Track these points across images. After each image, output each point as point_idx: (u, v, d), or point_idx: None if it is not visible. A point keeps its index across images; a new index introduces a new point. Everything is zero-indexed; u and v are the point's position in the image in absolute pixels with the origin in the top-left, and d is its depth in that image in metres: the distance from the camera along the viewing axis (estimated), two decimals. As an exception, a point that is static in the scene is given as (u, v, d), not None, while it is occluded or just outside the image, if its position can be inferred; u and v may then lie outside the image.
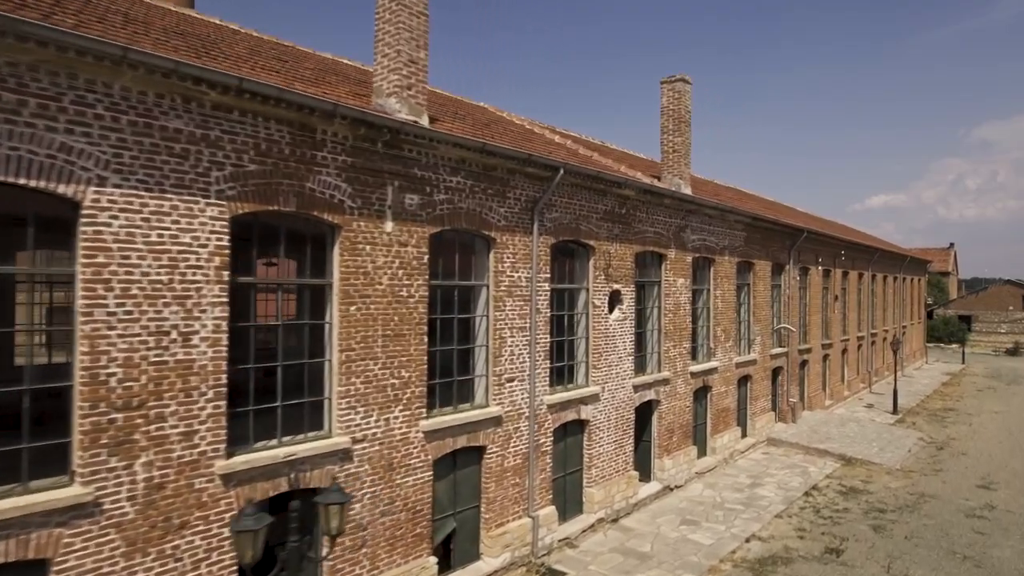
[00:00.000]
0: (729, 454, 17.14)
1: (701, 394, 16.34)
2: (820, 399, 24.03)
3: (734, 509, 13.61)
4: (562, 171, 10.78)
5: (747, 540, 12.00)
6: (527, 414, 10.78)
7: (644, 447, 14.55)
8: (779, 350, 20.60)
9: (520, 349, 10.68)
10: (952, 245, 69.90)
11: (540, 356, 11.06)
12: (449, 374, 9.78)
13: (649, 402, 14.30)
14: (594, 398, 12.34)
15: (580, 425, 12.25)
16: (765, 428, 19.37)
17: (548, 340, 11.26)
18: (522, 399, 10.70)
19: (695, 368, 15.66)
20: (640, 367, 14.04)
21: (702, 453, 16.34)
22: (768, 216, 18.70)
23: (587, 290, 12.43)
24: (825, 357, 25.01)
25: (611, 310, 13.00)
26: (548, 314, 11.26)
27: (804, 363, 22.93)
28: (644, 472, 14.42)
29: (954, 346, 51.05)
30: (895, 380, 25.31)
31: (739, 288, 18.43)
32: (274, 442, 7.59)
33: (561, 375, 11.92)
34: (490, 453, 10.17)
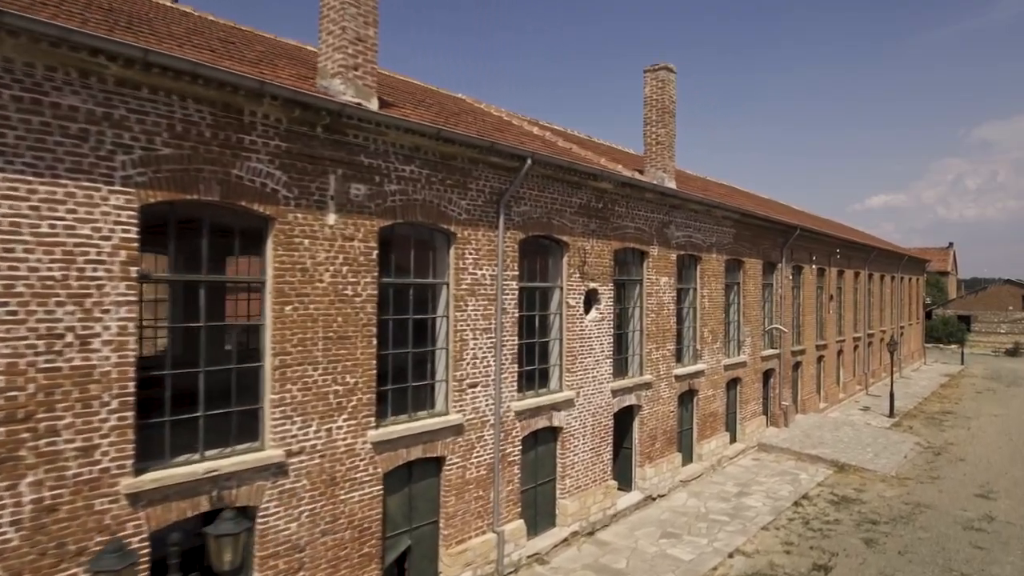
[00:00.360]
0: (717, 461, 16.40)
1: (687, 398, 15.60)
2: (814, 402, 23.30)
3: (719, 520, 12.87)
4: (529, 161, 10.05)
5: (730, 555, 11.27)
6: (492, 422, 10.04)
7: (624, 455, 13.82)
8: (771, 352, 19.86)
9: (484, 352, 9.94)
10: (951, 245, 69.19)
11: (507, 359, 10.33)
12: (404, 379, 9.04)
13: (630, 407, 13.57)
14: (568, 404, 11.60)
15: (553, 433, 11.52)
16: (755, 433, 18.64)
17: (516, 342, 10.53)
18: (486, 406, 9.96)
19: (680, 371, 14.92)
20: (620, 370, 13.31)
21: (687, 460, 15.60)
22: (758, 212, 17.97)
23: (560, 289, 11.69)
24: (819, 359, 24.28)
25: (587, 310, 12.27)
26: (516, 314, 10.52)
27: (797, 365, 22.20)
28: (624, 481, 13.69)
29: (953, 347, 50.31)
30: (891, 383, 24.58)
31: (728, 287, 17.69)
32: (196, 456, 6.85)
33: (532, 380, 11.18)
34: (450, 464, 9.43)
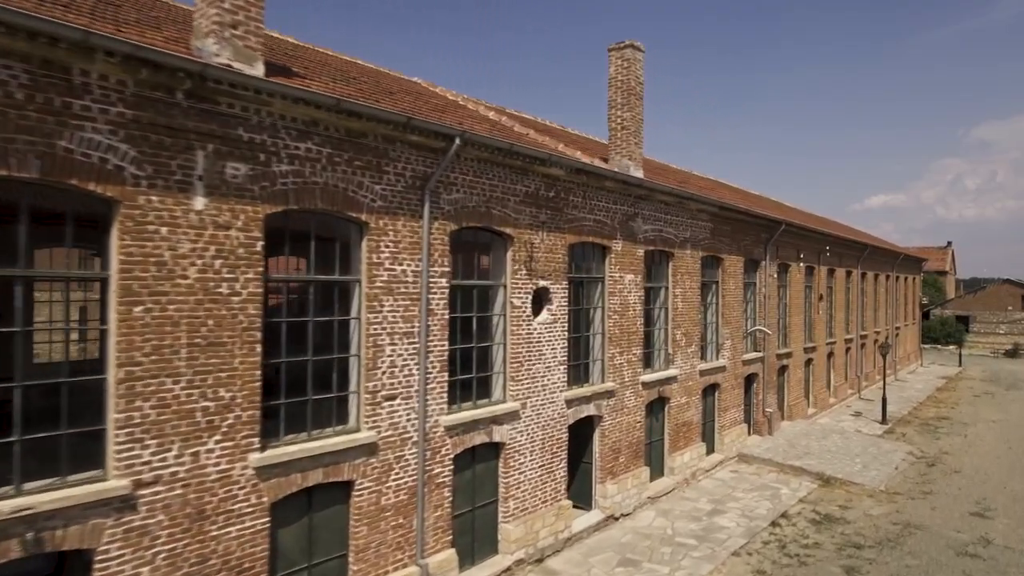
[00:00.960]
0: (691, 474, 15.13)
1: (656, 407, 14.34)
2: (802, 408, 22.03)
3: (685, 544, 11.61)
4: (458, 140, 8.78)
5: (693, 587, 10.02)
6: (415, 439, 8.78)
7: (584, 471, 12.57)
8: (753, 355, 18.60)
9: (405, 359, 8.67)
10: (949, 244, 68.00)
11: (435, 367, 9.06)
12: (301, 392, 7.77)
13: (589, 418, 12.31)
14: (512, 416, 10.34)
15: (494, 449, 10.25)
16: (736, 442, 17.37)
17: (447, 348, 9.25)
18: (408, 421, 8.70)
19: (648, 377, 13.65)
20: (577, 378, 12.04)
21: (657, 474, 14.33)
22: (737, 205, 16.70)
23: (504, 287, 10.43)
24: (808, 362, 23.02)
25: (537, 311, 11.01)
26: (446, 316, 9.25)
27: (783, 369, 20.94)
28: (583, 499, 12.44)
29: (951, 348, 49.03)
30: (884, 387, 23.31)
31: (705, 286, 16.43)
32: (11, 491, 5.59)
33: (468, 390, 9.91)
34: (360, 489, 8.17)
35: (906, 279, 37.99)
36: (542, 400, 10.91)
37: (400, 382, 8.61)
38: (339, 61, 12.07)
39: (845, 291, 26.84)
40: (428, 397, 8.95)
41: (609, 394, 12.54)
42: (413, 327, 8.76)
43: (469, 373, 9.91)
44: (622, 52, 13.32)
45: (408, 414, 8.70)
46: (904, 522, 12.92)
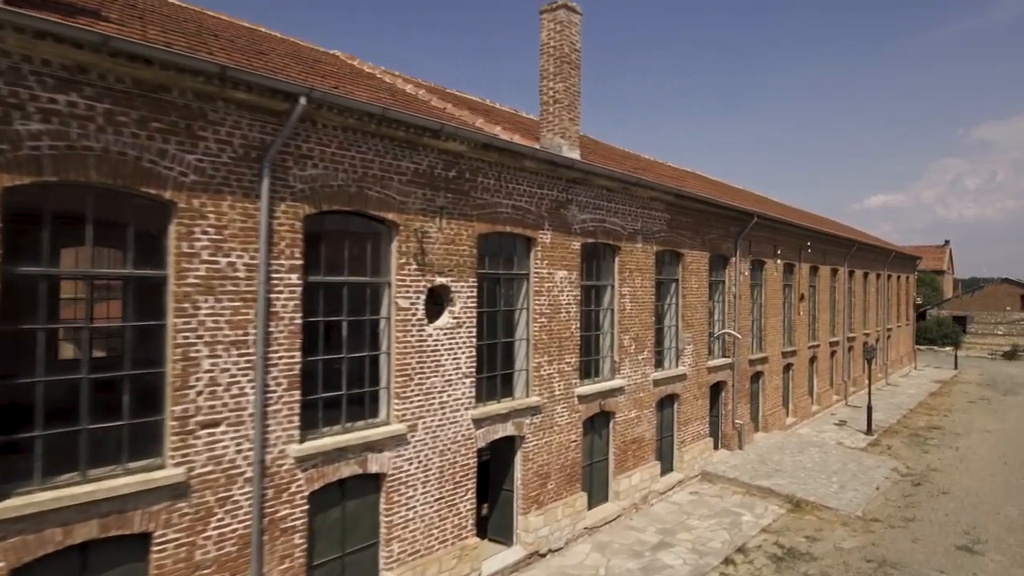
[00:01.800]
0: (641, 497, 13.33)
1: (599, 423, 12.54)
2: (779, 418, 20.22)
3: (617, 589, 9.82)
4: (303, 100, 6.98)
5: (612, 651, 8.22)
6: (248, 474, 6.98)
7: (506, 499, 10.77)
8: (721, 361, 16.79)
9: (234, 375, 6.87)
10: (947, 242, 66.16)
11: (281, 385, 7.27)
12: (74, 421, 5.97)
13: (510, 439, 10.53)
14: (397, 441, 8.54)
15: (373, 481, 8.45)
16: (699, 459, 15.57)
17: (298, 360, 7.46)
18: (237, 453, 6.90)
19: (586, 390, 11.85)
20: (491, 392, 10.24)
21: (599, 500, 12.53)
22: (697, 194, 14.87)
23: (388, 285, 8.63)
24: (787, 367, 21.21)
25: (434, 314, 9.21)
26: (298, 321, 7.45)
27: (758, 376, 19.13)
28: (505, 533, 10.66)
29: (948, 349, 47.22)
30: (869, 395, 21.49)
31: (662, 285, 14.63)
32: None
33: (335, 411, 8.11)
34: (162, 543, 6.37)
35: (898, 278, 36.18)
36: (439, 420, 9.11)
37: (225, 404, 6.80)
38: (212, 20, 10.27)
39: (830, 290, 25.03)
40: (269, 422, 7.15)
41: (534, 410, 10.74)
42: (246, 335, 6.95)
43: (336, 390, 8.10)
44: (555, 14, 11.52)
45: (238, 444, 6.90)
46: (879, 559, 11.11)
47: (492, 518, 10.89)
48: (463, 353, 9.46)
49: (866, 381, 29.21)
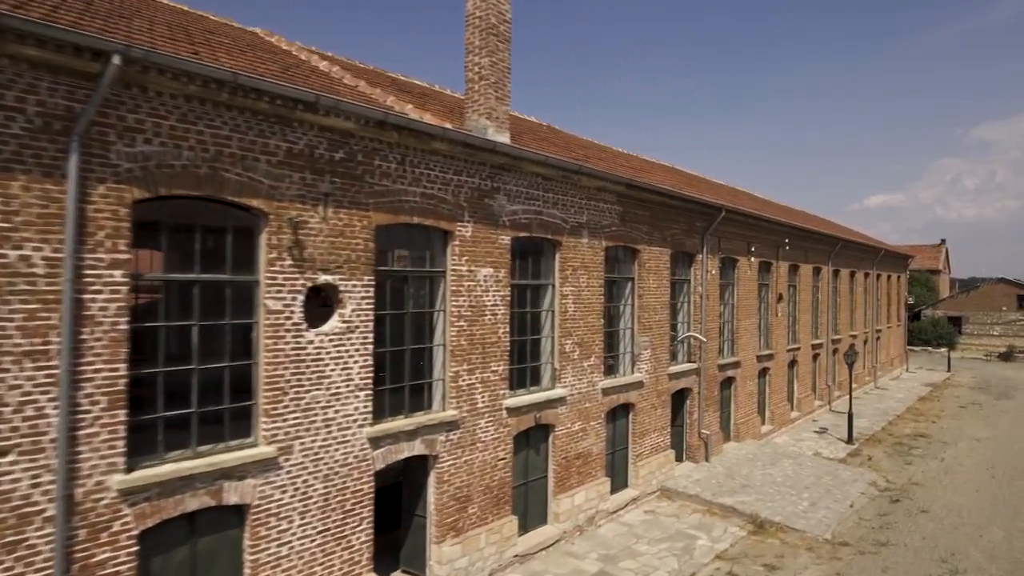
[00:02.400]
0: (587, 518, 12.09)
1: (535, 437, 11.30)
2: (753, 426, 18.97)
3: (537, 632, 8.59)
4: (117, 59, 5.74)
5: None
6: (50, 513, 5.74)
7: (418, 526, 9.54)
8: (685, 366, 15.55)
9: (27, 393, 5.63)
10: (943, 241, 64.92)
11: (97, 404, 6.02)
12: None
13: (422, 458, 9.30)
14: (266, 466, 7.31)
15: (234, 515, 7.22)
16: (658, 473, 14.32)
17: (124, 374, 6.21)
18: (33, 487, 5.66)
19: (517, 401, 10.62)
20: (396, 406, 9.00)
21: (536, 522, 11.30)
22: (653, 185, 13.60)
23: (257, 284, 7.40)
24: (763, 372, 19.96)
25: (319, 318, 7.98)
26: (123, 326, 6.21)
27: (729, 381, 17.89)
28: (418, 564, 9.43)
29: (942, 350, 45.99)
30: (850, 401, 20.24)
31: (613, 284, 13.40)
32: None
33: (184, 432, 6.87)
34: (-83, 605, 5.14)
35: (889, 277, 34.93)
36: (323, 440, 7.87)
37: (16, 429, 5.56)
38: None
39: (812, 290, 23.78)
40: (81, 448, 5.92)
41: (449, 426, 9.50)
42: (46, 344, 5.72)
43: (185, 407, 6.87)
44: (481, -19, 10.28)
45: (34, 477, 5.66)
46: (842, 592, 9.89)
47: (404, 547, 9.65)
48: (356, 362, 8.22)
49: (853, 384, 28.03)
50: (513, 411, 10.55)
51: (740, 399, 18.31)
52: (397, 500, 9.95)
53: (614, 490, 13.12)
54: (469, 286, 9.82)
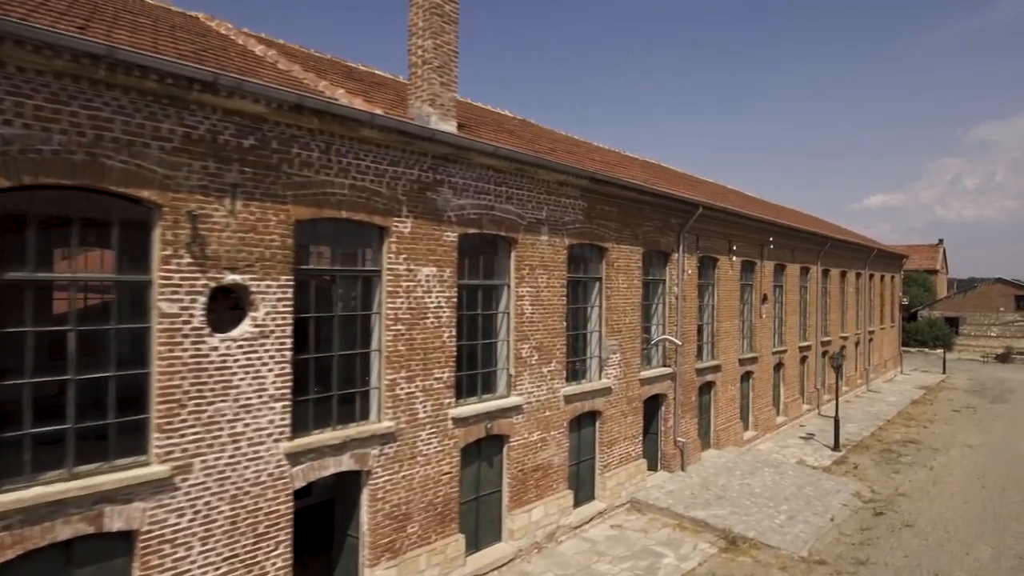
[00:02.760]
0: (546, 535, 11.34)
1: (487, 449, 10.54)
2: (735, 432, 18.21)
3: (473, 666, 7.82)
4: (-47, 26, 4.99)
5: None
6: None
7: (351, 547, 8.78)
8: (659, 371, 14.79)
9: None
10: (941, 241, 64.10)
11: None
12: None
13: (355, 474, 8.55)
14: (158, 486, 6.55)
15: (120, 542, 6.45)
16: (627, 485, 13.55)
17: (-23, 386, 5.46)
18: None
19: (464, 410, 9.86)
20: (321, 419, 8.24)
21: (489, 540, 10.55)
22: (618, 179, 12.80)
23: (151, 285, 6.64)
24: (746, 376, 19.20)
25: (227, 323, 7.22)
26: (-25, 333, 5.46)
27: (708, 386, 17.13)
28: (349, 589, 8.66)
29: (939, 351, 45.19)
30: (836, 407, 19.44)
31: (578, 284, 12.65)
32: None
33: (57, 450, 6.11)
34: None
35: (882, 277, 34.15)
36: (230, 457, 7.12)
37: None
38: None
39: (800, 291, 23.01)
40: (-83, 474, 5.16)
41: (384, 438, 8.74)
42: None
43: (59, 422, 6.10)
44: (425, -43, 9.52)
45: None
46: (813, 618, 9.12)
47: (335, 572, 8.90)
48: (271, 371, 7.46)
49: (843, 388, 27.28)
50: (461, 421, 9.79)
51: (721, 404, 17.55)
52: (332, 518, 9.20)
53: (579, 503, 12.37)
54: (408, 287, 9.06)
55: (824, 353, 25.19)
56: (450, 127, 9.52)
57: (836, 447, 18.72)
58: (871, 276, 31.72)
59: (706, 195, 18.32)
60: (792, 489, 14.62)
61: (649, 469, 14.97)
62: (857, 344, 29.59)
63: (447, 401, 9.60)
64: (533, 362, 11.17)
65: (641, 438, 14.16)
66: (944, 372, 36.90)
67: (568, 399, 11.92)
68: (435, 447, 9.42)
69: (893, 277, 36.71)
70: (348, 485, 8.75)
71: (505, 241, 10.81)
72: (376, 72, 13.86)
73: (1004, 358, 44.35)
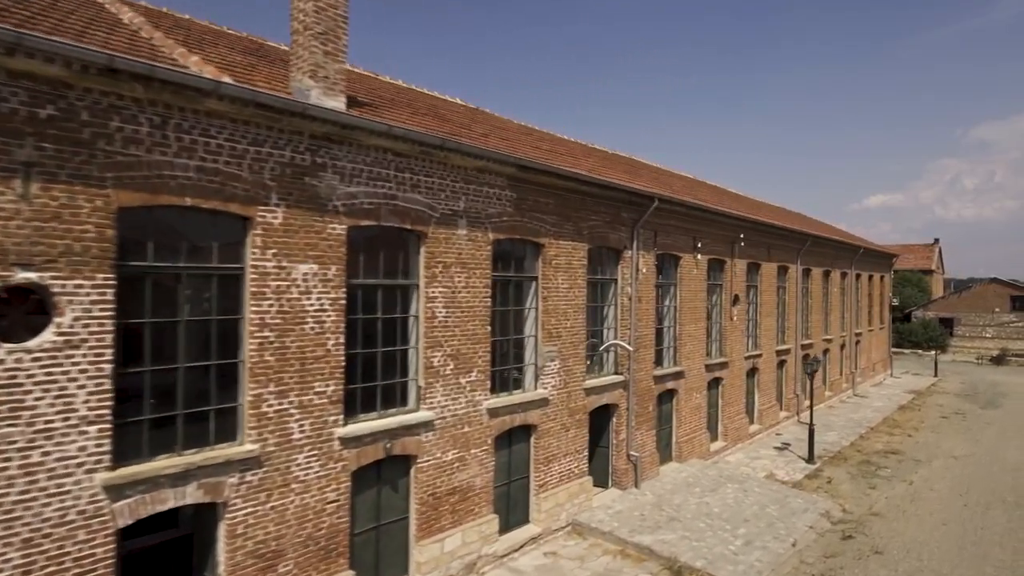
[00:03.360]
0: (465, 566, 10.07)
1: (389, 472, 9.28)
2: (700, 444, 16.93)
3: None
4: None
5: None
6: None
7: (207, 591, 7.50)
8: (609, 379, 13.53)
9: None
10: (936, 240, 62.86)
11: None
12: None
13: (210, 507, 7.28)
14: (-90, 536, 5.28)
15: None
16: (568, 506, 12.29)
17: None
18: None
19: (357, 429, 8.59)
20: (161, 442, 6.97)
21: (392, 574, 9.27)
22: (550, 166, 11.49)
23: (-96, 284, 5.38)
24: (714, 382, 17.94)
25: (22, 329, 5.96)
26: None
27: (670, 395, 15.86)
28: (204, 641, 7.38)
29: (933, 352, 43.92)
30: (811, 416, 18.15)
31: (509, 284, 11.39)
32: None
33: None
34: None
35: (871, 277, 32.87)
36: (21, 492, 5.83)
37: None
38: None
39: (777, 291, 21.75)
40: None
41: (246, 463, 7.48)
42: None
43: None
44: (308, -92, 8.26)
45: None
46: (751, 672, 7.84)
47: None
48: (83, 387, 6.20)
49: (827, 393, 26.06)
50: (352, 441, 8.53)
51: (684, 414, 16.28)
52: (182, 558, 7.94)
53: (508, 528, 11.12)
54: (279, 287, 7.80)
55: (805, 357, 23.91)
56: (336, 103, 8.26)
57: (810, 459, 17.44)
58: (858, 276, 30.44)
59: (674, 188, 17.06)
60: (754, 508, 13.35)
61: (599, 486, 13.73)
62: (843, 347, 28.31)
63: (333, 419, 8.33)
64: (448, 372, 9.91)
65: (586, 453, 12.89)
66: (936, 375, 35.61)
67: (493, 412, 10.65)
68: (316, 472, 8.15)
69: (883, 277, 35.42)
70: (204, 519, 7.49)
71: (413, 235, 9.54)
72: (274, 45, 12.55)
73: (999, 360, 43.06)
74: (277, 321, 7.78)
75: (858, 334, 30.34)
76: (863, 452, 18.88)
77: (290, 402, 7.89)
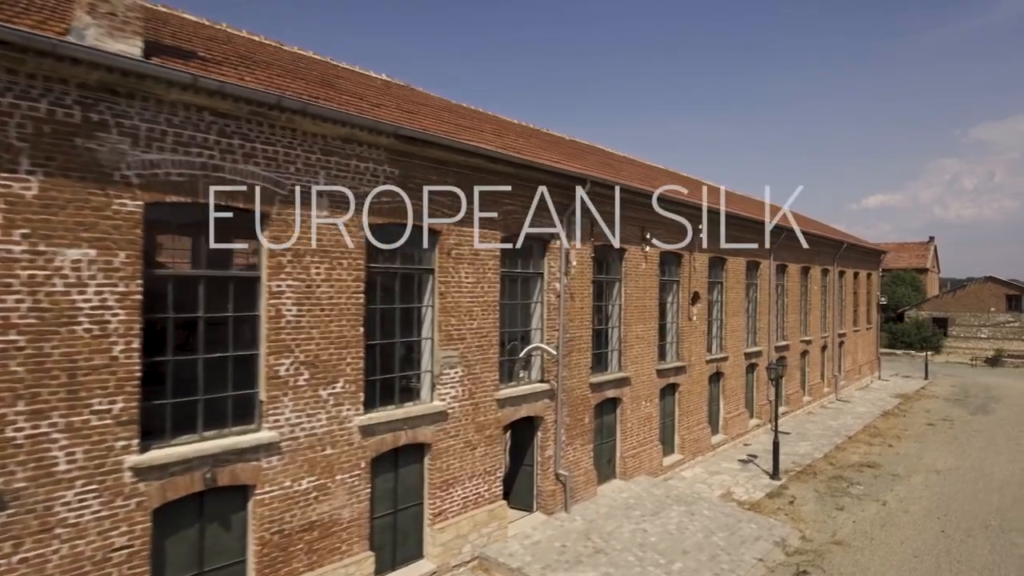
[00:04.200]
0: (325, 617, 8.33)
1: (216, 506, 7.54)
2: (649, 458, 15.18)
3: None
4: None
5: None
6: None
7: (-73, 673, 5.77)
8: (529, 388, 11.80)
9: None
10: (932, 239, 61.04)
11: None
12: None
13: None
14: None
15: None
16: (473, 537, 10.54)
17: None
18: None
19: (161, 455, 6.86)
20: None
21: (217, 635, 7.54)
22: (439, 138, 9.67)
23: None
24: (670, 388, 16.21)
25: None
26: None
27: (612, 404, 14.12)
28: None
29: (926, 353, 42.17)
30: (775, 428, 16.35)
31: (393, 277, 9.67)
32: None
33: None
34: None
35: (857, 275, 31.10)
36: None
37: None
38: None
39: (746, 288, 20.00)
40: None
41: (-25, 508, 5.75)
42: None
43: None
44: None
45: None
46: None
47: None
48: None
49: (805, 398, 24.36)
50: (152, 471, 6.80)
51: (630, 425, 14.53)
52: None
53: (392, 567, 9.40)
54: (32, 277, 6.08)
55: (780, 360, 22.15)
56: (124, 47, 6.54)
57: (775, 474, 15.70)
58: (841, 273, 28.68)
59: (622, 175, 15.27)
60: (698, 537, 11.61)
61: (523, 510, 12.01)
62: (824, 348, 26.57)
63: (122, 444, 6.61)
64: (301, 383, 8.18)
65: (500, 474, 11.16)
66: (926, 378, 33.84)
67: (369, 431, 8.92)
68: (94, 513, 6.43)
69: (870, 275, 33.65)
70: (-79, 579, 5.77)
71: (249, 216, 7.81)
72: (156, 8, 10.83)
73: (994, 362, 41.29)
74: (29, 322, 6.05)
75: (842, 335, 28.58)
76: (836, 465, 17.12)
77: (52, 425, 6.17)
